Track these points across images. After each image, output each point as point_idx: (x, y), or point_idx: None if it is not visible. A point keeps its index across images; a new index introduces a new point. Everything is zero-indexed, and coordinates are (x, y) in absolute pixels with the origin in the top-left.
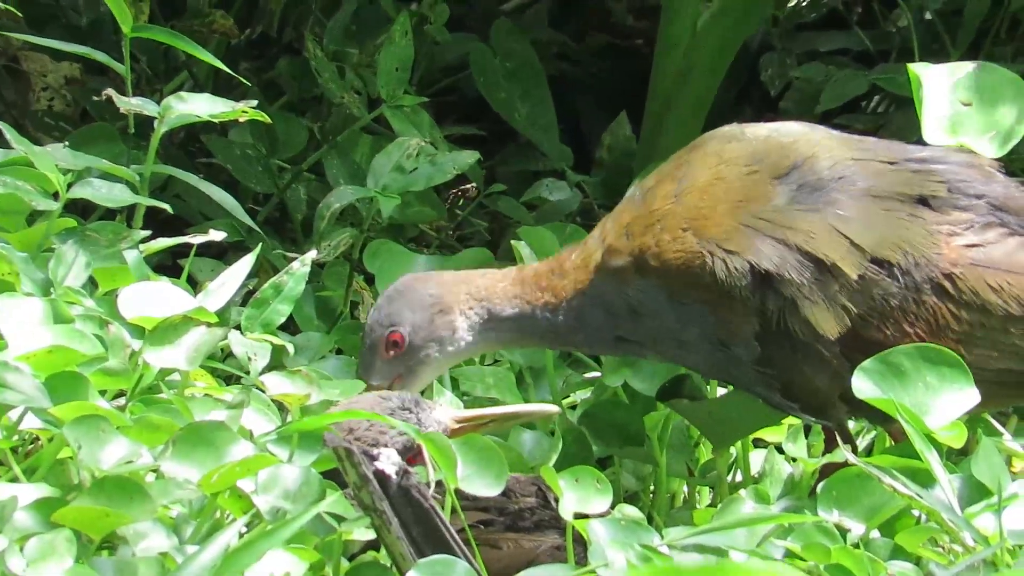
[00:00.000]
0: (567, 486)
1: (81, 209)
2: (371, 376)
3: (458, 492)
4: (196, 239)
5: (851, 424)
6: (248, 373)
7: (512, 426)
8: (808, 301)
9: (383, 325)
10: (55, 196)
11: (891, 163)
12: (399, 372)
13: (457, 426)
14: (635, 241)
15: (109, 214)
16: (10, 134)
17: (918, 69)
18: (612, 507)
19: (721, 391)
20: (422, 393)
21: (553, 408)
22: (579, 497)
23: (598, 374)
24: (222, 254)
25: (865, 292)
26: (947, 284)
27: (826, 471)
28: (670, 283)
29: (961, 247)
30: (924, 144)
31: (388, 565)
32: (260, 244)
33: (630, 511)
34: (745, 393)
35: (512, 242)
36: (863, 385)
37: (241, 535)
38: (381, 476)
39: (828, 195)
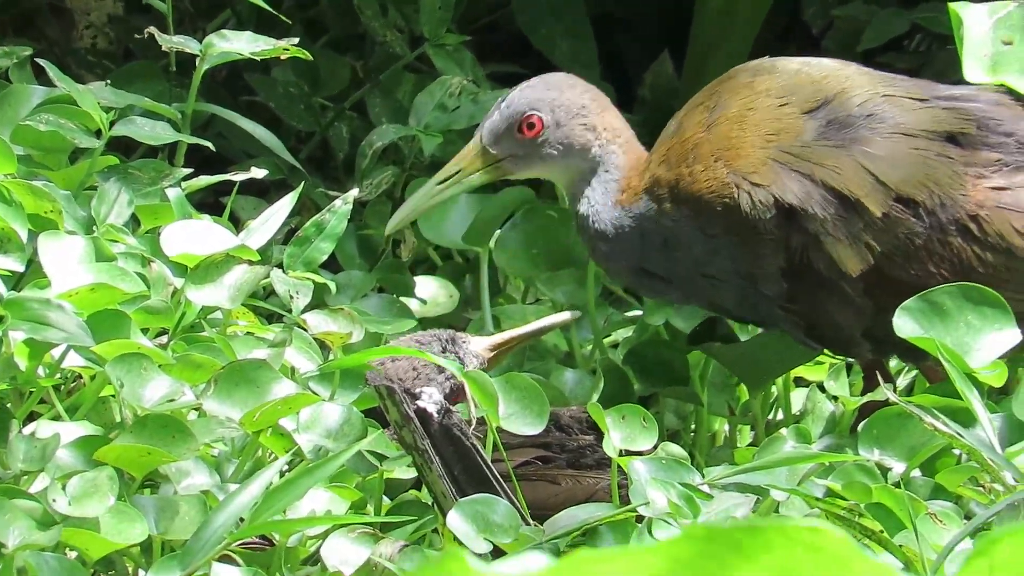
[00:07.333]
0: (613, 423)
1: (123, 147)
2: (494, 143)
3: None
4: (238, 177)
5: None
6: (290, 311)
7: (538, 338)
8: (832, 238)
9: (530, 103)
10: (97, 134)
11: (921, 100)
12: (516, 153)
13: (491, 354)
14: (672, 171)
15: (151, 152)
16: (53, 72)
17: (959, 8)
18: (655, 446)
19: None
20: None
21: (574, 314)
22: (625, 435)
23: (639, 312)
24: (264, 192)
25: (889, 231)
26: (972, 226)
27: (867, 410)
28: (701, 213)
29: (988, 189)
30: (964, 83)
31: (430, 503)
32: (302, 182)
33: (674, 449)
34: (774, 332)
35: None
36: (904, 324)
37: (283, 473)
38: (423, 415)
39: (856, 132)
